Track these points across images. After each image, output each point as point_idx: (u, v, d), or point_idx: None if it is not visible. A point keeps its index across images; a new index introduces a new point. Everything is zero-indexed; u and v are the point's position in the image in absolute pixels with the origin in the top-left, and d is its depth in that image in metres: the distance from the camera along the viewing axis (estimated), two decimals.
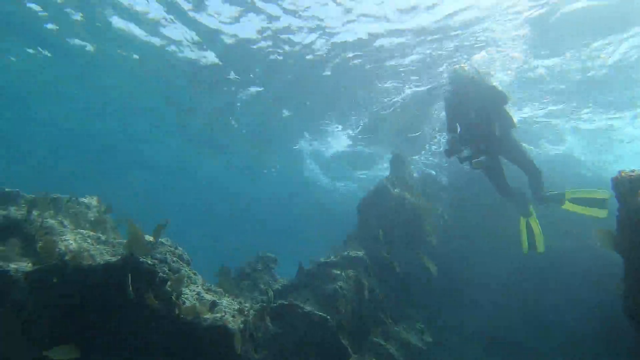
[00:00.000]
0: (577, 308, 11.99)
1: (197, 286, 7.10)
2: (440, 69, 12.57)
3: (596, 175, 18.38)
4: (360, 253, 10.05)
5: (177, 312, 5.61)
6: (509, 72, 12.06)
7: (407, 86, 14.07)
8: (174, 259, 7.30)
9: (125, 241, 6.89)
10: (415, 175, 14.58)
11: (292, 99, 16.85)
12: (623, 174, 5.28)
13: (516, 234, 14.53)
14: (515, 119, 7.52)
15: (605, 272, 12.00)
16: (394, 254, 11.38)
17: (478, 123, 7.18)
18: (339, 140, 20.28)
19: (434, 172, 19.93)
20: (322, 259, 9.68)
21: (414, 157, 19.14)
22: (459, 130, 7.45)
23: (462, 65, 7.75)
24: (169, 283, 5.77)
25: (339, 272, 9.26)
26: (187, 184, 35.25)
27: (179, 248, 7.88)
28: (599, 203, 7.37)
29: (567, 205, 7.56)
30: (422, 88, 13.67)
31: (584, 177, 17.86)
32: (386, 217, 11.73)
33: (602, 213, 7.39)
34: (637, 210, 4.77)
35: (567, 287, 12.51)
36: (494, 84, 7.18)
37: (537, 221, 8.16)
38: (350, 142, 20.50)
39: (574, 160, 17.78)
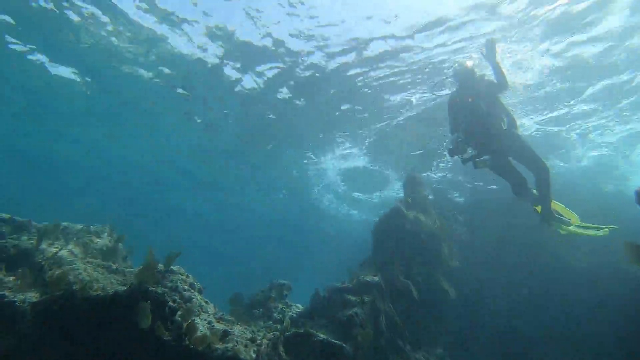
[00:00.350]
0: (601, 327, 11.49)
1: (209, 315, 6.92)
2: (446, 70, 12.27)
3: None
4: (376, 278, 9.76)
5: (187, 342, 5.44)
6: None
7: (413, 97, 13.86)
8: (185, 287, 7.16)
9: (136, 270, 6.84)
10: (430, 197, 14.31)
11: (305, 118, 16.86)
12: None
13: (538, 248, 14.19)
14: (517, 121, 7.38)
15: (632, 291, 11.60)
16: (411, 277, 11.06)
17: (478, 119, 7.04)
18: (350, 160, 20.13)
19: (447, 190, 19.67)
20: (337, 285, 9.43)
21: (425, 174, 18.87)
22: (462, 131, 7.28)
23: (465, 61, 7.66)
24: (179, 312, 5.62)
25: (354, 298, 8.99)
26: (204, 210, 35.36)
27: (190, 276, 7.74)
28: (598, 230, 7.16)
29: (572, 230, 7.20)
30: (427, 94, 13.43)
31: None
32: (402, 240, 11.47)
33: (604, 232, 7.12)
34: None
35: (592, 307, 12.02)
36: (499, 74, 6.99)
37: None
38: (361, 163, 20.37)
39: None
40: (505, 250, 14.44)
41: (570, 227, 7.18)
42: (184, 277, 7.51)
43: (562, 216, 7.27)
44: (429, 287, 11.61)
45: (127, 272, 6.73)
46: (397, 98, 14.13)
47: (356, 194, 25.42)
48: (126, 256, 8.12)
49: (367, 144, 18.02)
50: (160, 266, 6.74)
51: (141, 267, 6.16)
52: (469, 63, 7.32)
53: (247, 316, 8.75)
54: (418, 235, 11.76)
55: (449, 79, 8.12)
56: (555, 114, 14.48)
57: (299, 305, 9.69)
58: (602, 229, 7.12)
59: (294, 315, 9.03)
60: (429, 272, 11.85)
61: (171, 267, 7.46)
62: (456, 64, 7.63)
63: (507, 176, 7.27)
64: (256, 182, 25.75)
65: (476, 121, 7.04)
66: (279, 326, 8.50)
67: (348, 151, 19.17)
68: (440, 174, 19.20)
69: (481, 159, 6.81)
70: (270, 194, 28.31)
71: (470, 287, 13.22)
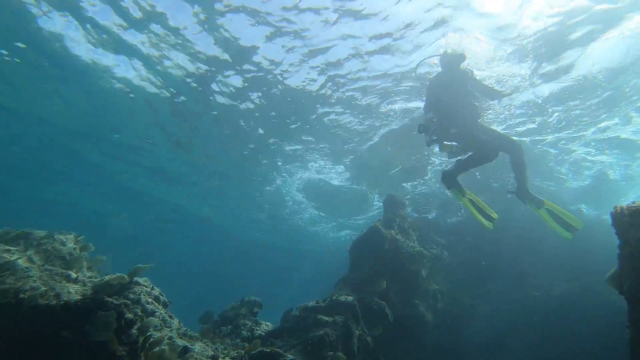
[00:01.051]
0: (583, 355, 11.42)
1: (171, 330, 6.66)
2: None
3: None
4: (350, 298, 9.57)
5: (143, 357, 5.19)
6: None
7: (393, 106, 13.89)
8: (149, 299, 6.89)
9: (98, 280, 6.58)
10: (410, 217, 14.27)
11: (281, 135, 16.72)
12: (621, 208, 4.99)
13: (519, 273, 14.19)
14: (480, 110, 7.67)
15: (612, 317, 11.59)
16: (388, 299, 10.88)
17: (457, 103, 7.27)
18: (329, 176, 20.05)
19: (430, 210, 19.67)
20: (309, 304, 9.22)
21: (404, 185, 18.88)
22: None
23: (451, 49, 7.94)
24: (136, 325, 5.38)
25: (326, 318, 8.77)
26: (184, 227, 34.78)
27: (156, 289, 7.47)
28: (569, 227, 7.29)
29: (542, 212, 7.38)
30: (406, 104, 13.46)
31: None
32: (379, 260, 11.33)
33: (567, 235, 7.31)
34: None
35: (572, 334, 11.96)
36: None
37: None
38: (340, 182, 20.31)
39: None
40: (487, 277, 14.40)
41: (541, 210, 7.35)
42: (149, 290, 7.23)
43: (537, 196, 7.43)
44: (405, 311, 11.44)
45: (88, 281, 6.45)
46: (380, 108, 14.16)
47: (330, 212, 25.37)
48: (91, 266, 7.82)
49: (347, 161, 18.04)
50: (125, 277, 6.48)
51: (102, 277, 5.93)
52: (459, 50, 7.61)
53: (215, 333, 8.46)
54: (396, 256, 11.63)
55: (435, 61, 8.43)
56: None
57: (269, 323, 9.42)
58: (574, 229, 7.20)
59: (263, 333, 8.76)
60: (406, 294, 11.70)
61: (137, 279, 7.21)
62: (449, 50, 7.82)
63: (478, 146, 7.30)
64: (234, 199, 25.46)
65: (455, 105, 7.20)
66: (246, 345, 8.24)
67: (324, 167, 19.08)
68: (421, 193, 19.26)
69: (447, 143, 6.87)
70: (249, 213, 28.07)
71: (450, 313, 13.07)
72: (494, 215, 7.70)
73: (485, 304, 13.65)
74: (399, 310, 11.12)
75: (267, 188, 22.50)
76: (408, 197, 19.37)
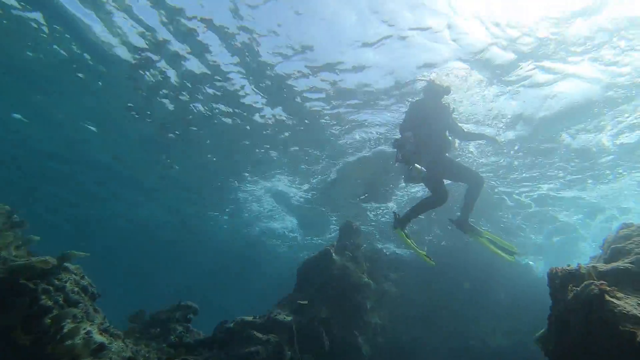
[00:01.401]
0: None
1: (93, 324, 6.31)
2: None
3: None
4: (289, 319, 9.41)
5: (50, 349, 4.87)
6: None
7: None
8: (75, 289, 6.55)
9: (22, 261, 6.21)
10: (363, 246, 14.28)
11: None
12: (555, 269, 5.08)
13: (462, 318, 14.37)
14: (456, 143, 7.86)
15: None
16: (327, 326, 10.74)
17: (436, 131, 7.42)
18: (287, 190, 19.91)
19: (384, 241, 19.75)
20: (245, 318, 9.00)
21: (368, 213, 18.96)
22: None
23: (437, 78, 8.12)
24: (50, 314, 5.08)
25: (260, 335, 8.57)
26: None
27: (87, 279, 7.11)
28: (509, 252, 7.54)
29: (482, 240, 7.59)
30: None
31: None
32: (326, 285, 11.22)
33: (510, 258, 7.54)
34: (567, 309, 4.46)
35: None
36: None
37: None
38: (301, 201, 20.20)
39: None
40: (429, 321, 14.51)
41: (482, 239, 7.48)
42: (78, 278, 6.88)
43: (477, 226, 7.59)
44: (343, 340, 11.30)
45: (11, 261, 6.08)
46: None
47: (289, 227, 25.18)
48: (21, 245, 7.40)
49: (312, 182, 18.03)
50: (48, 262, 6.13)
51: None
52: (446, 83, 7.77)
53: (141, 334, 8.11)
54: (343, 283, 11.55)
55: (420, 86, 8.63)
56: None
57: (200, 332, 9.11)
58: (513, 252, 7.39)
59: (192, 341, 8.46)
60: (347, 324, 11.58)
61: (68, 265, 6.85)
62: (435, 79, 7.99)
63: (431, 186, 7.47)
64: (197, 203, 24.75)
65: (434, 132, 7.38)
66: (172, 350, 7.92)
67: (286, 183, 18.98)
68: (384, 222, 19.38)
69: (419, 167, 6.94)
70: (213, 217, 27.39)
71: (389, 349, 13.03)
72: (432, 263, 7.70)
73: (424, 345, 13.71)
74: (337, 338, 10.97)
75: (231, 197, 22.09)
76: (373, 223, 19.49)
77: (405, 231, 7.56)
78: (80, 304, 6.45)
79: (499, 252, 7.52)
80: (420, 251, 7.56)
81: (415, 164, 7.00)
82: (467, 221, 7.53)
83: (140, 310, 9.80)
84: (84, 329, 5.91)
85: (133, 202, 25.94)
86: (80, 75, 12.85)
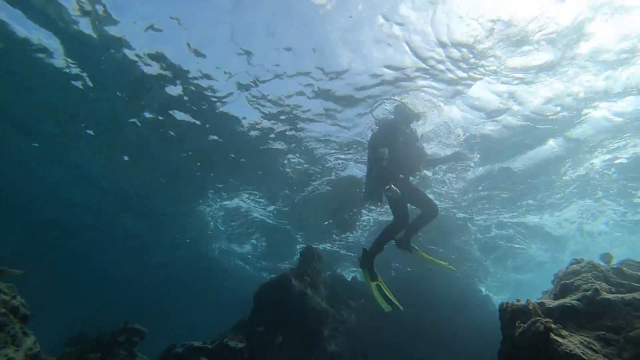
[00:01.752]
0: None
1: (18, 350, 5.81)
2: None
3: None
4: (241, 345, 9.01)
5: None
6: None
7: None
8: (3, 310, 6.03)
9: None
10: (325, 274, 14.04)
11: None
12: (506, 304, 5.03)
13: (417, 352, 14.21)
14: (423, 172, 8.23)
15: None
16: (282, 354, 10.37)
17: (410, 151, 7.53)
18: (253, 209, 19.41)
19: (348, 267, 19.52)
20: (195, 344, 8.55)
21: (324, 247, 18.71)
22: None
23: (410, 102, 8.19)
24: None
25: None
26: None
27: (19, 298, 6.58)
28: (446, 267, 7.78)
29: (420, 256, 7.65)
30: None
31: None
32: (282, 311, 10.87)
33: (450, 267, 7.79)
34: (514, 345, 4.38)
35: None
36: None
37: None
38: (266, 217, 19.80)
39: None
40: (388, 347, 14.27)
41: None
42: (8, 298, 6.36)
43: (413, 245, 7.60)
44: None
45: None
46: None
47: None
48: None
49: (279, 201, 17.72)
50: None
51: None
52: (417, 110, 7.84)
53: (78, 359, 7.55)
54: (301, 309, 11.24)
55: (388, 109, 8.91)
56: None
57: (146, 357, 8.57)
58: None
59: None
60: (302, 351, 11.23)
61: None
62: (408, 104, 7.95)
63: (399, 210, 7.36)
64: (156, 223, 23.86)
65: (408, 152, 7.46)
66: None
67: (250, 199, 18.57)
68: (342, 250, 19.24)
69: (394, 187, 6.82)
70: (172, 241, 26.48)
71: None
72: (399, 307, 7.47)
73: None
74: None
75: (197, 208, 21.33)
76: (342, 248, 19.28)
77: (375, 270, 7.29)
78: (7, 327, 5.94)
79: (437, 261, 7.63)
80: (384, 301, 7.22)
81: (392, 185, 6.92)
82: (408, 242, 7.56)
83: (81, 331, 9.21)
84: (5, 355, 5.42)
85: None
86: None
